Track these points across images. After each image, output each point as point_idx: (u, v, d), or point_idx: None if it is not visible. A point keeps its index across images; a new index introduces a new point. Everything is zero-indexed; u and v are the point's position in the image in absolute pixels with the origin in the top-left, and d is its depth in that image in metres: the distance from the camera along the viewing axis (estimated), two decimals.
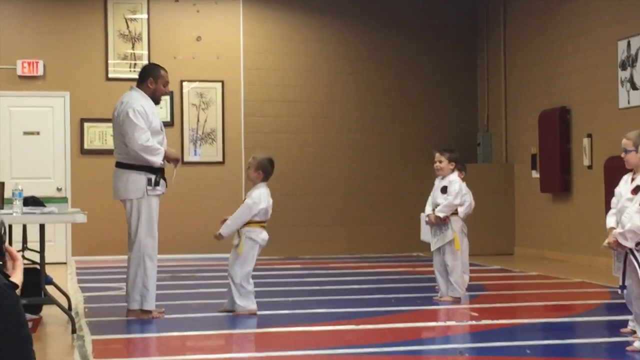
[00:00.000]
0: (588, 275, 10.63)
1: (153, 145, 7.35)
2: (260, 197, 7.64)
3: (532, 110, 13.82)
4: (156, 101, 7.63)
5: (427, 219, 8.56)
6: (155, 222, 7.46)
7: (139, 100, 7.46)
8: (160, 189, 7.48)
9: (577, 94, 12.82)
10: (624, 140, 6.33)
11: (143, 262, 7.37)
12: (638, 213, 5.64)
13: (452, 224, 8.44)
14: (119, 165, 7.49)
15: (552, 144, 13.14)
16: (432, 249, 8.59)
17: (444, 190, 8.49)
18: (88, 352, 5.91)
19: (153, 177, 7.40)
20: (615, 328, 6.60)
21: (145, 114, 7.39)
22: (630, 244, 5.63)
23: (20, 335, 2.28)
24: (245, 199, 7.78)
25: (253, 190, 7.73)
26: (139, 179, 7.39)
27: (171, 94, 13.87)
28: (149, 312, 7.41)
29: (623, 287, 5.96)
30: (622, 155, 6.34)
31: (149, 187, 7.38)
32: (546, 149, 13.31)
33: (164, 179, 7.55)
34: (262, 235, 7.70)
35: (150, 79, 7.57)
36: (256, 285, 10.19)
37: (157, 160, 7.36)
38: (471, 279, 9.39)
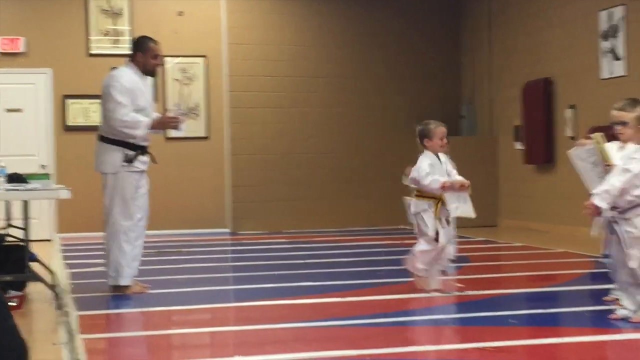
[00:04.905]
0: (571, 245, 10.70)
1: (132, 119, 7.28)
2: None
3: (516, 82, 13.83)
4: (150, 74, 7.54)
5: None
6: (130, 198, 7.40)
7: (125, 76, 7.38)
8: (140, 165, 7.43)
9: (560, 66, 12.83)
10: (618, 113, 5.68)
11: (117, 238, 7.36)
12: (615, 174, 5.56)
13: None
14: (100, 138, 7.48)
15: (536, 115, 13.16)
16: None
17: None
18: (74, 328, 5.92)
19: (132, 153, 7.36)
20: (598, 297, 6.65)
21: (131, 90, 7.32)
22: (604, 205, 5.51)
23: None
24: None
25: None
26: (114, 154, 7.36)
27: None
28: (126, 287, 7.42)
29: (606, 255, 5.98)
30: (619, 128, 5.65)
31: (124, 164, 7.34)
32: (530, 121, 13.34)
33: (149, 154, 7.52)
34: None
35: (139, 53, 7.48)
36: (242, 259, 10.27)
37: (139, 133, 7.31)
38: (456, 250, 9.43)
